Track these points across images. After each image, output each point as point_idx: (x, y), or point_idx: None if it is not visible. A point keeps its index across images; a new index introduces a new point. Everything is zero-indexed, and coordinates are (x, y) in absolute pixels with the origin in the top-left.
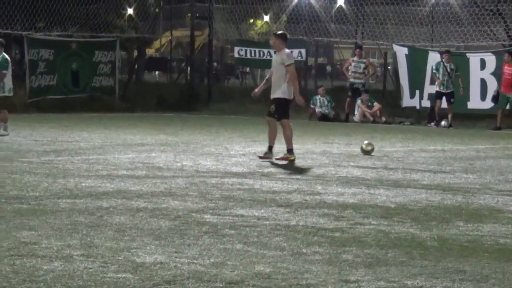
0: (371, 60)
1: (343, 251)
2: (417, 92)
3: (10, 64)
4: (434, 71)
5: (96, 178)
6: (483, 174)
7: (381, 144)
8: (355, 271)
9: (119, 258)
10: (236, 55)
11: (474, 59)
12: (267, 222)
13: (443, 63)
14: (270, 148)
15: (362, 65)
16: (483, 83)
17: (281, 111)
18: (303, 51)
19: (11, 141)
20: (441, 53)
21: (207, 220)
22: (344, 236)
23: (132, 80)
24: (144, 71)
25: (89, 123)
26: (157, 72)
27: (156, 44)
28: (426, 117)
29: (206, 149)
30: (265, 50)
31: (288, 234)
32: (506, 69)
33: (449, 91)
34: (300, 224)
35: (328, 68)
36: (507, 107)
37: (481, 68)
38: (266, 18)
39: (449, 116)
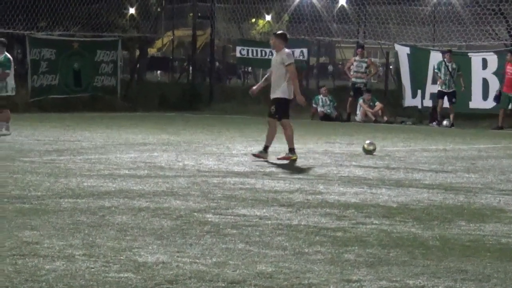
0: (373, 59)
1: (345, 251)
2: (419, 91)
3: (12, 64)
4: (436, 70)
5: (98, 177)
6: (485, 174)
7: (383, 144)
8: (357, 271)
9: (121, 257)
10: (238, 54)
11: (476, 59)
12: (269, 222)
13: (445, 62)
14: (266, 148)
15: (364, 65)
16: (485, 82)
17: (281, 111)
18: (305, 50)
19: (13, 141)
20: (443, 52)
21: (209, 219)
22: (346, 236)
23: (134, 80)
24: (146, 71)
25: (91, 123)
26: (159, 72)
27: (158, 43)
28: (428, 117)
29: (208, 149)
30: (267, 50)
31: (290, 234)
32: (509, 68)
33: (451, 90)
34: (302, 223)
35: (330, 67)
36: (509, 106)
37: (483, 68)
38: (268, 17)
39: (451, 115)
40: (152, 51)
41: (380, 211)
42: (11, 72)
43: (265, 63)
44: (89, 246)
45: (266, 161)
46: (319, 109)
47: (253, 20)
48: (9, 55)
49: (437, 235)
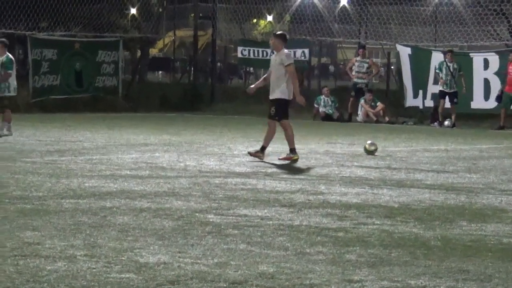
0: (374, 60)
1: (346, 251)
2: (421, 92)
3: (14, 64)
4: (437, 71)
5: (100, 178)
6: (487, 174)
7: (384, 144)
8: (359, 271)
9: (123, 258)
10: (239, 55)
11: (477, 59)
12: (271, 222)
13: (446, 62)
14: (263, 148)
15: (366, 65)
16: (487, 83)
17: (281, 111)
18: (306, 51)
19: (14, 141)
20: (444, 53)
21: (211, 220)
22: (348, 236)
23: (135, 80)
24: (147, 71)
25: (93, 123)
26: (160, 72)
27: (159, 44)
28: (429, 117)
29: (209, 149)
30: (268, 50)
31: (291, 234)
32: (511, 68)
33: (452, 91)
34: (304, 224)
35: (331, 68)
36: (511, 106)
37: (485, 68)
38: (270, 18)
39: (453, 116)
40: (153, 51)
41: (381, 212)
42: (13, 72)
43: (267, 64)
44: (90, 246)
45: (263, 161)
46: (321, 109)
47: (255, 20)
48: (11, 56)
49: (439, 235)
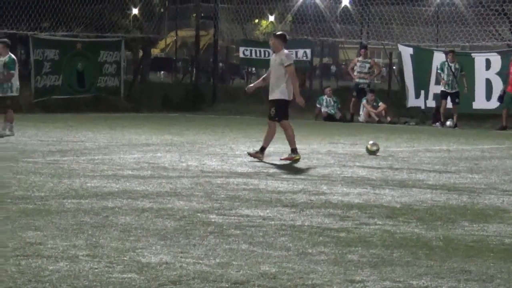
0: (376, 60)
1: (348, 251)
2: (422, 92)
3: (17, 64)
4: (438, 71)
5: (102, 178)
6: (489, 174)
7: (386, 144)
8: (361, 271)
9: (125, 258)
10: (241, 55)
11: (479, 59)
12: (273, 222)
13: (448, 63)
14: (263, 149)
15: (367, 65)
16: (488, 83)
17: (280, 112)
18: (308, 51)
19: (16, 141)
20: (446, 53)
21: (213, 220)
22: (350, 236)
23: (137, 80)
24: (149, 71)
25: (95, 123)
26: (162, 72)
27: (161, 44)
28: (431, 117)
29: (211, 149)
30: (270, 50)
31: (293, 234)
32: None
33: (454, 91)
34: (306, 224)
35: (333, 68)
36: None
37: (486, 68)
38: (271, 18)
39: (454, 116)
40: (155, 51)
41: (383, 212)
42: (16, 72)
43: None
44: (92, 246)
45: (265, 161)
46: (323, 109)
47: (256, 20)
48: (13, 56)
49: (441, 236)
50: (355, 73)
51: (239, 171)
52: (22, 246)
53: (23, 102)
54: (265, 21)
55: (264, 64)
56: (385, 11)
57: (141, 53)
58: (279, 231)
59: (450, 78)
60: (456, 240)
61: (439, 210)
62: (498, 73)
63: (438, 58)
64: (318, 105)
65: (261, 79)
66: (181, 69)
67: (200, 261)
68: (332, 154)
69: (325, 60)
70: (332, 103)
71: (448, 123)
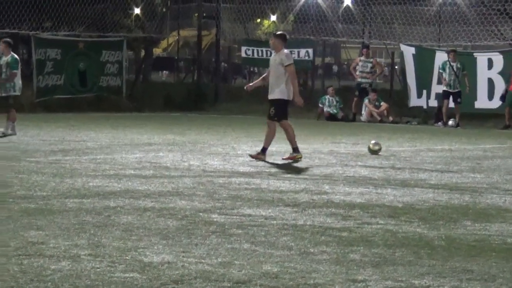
0: (378, 59)
1: (350, 251)
2: (424, 91)
3: (19, 64)
4: (440, 71)
5: (104, 177)
6: (490, 174)
7: (388, 144)
8: (363, 271)
9: (127, 257)
10: (243, 54)
11: (481, 59)
12: (275, 222)
13: (449, 62)
14: (264, 149)
15: (369, 65)
16: (490, 82)
17: (280, 112)
18: (310, 50)
19: (18, 141)
20: (447, 52)
21: (215, 219)
22: (352, 236)
23: (139, 80)
24: (151, 71)
25: (97, 123)
26: (164, 72)
27: (163, 43)
28: (433, 117)
29: (213, 149)
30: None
31: (295, 234)
32: None
33: (456, 90)
34: (308, 223)
35: (335, 67)
36: None
37: (489, 68)
38: (273, 17)
39: (457, 115)
40: (157, 51)
41: (385, 211)
42: (18, 72)
43: None
44: (94, 246)
45: (267, 161)
46: (325, 109)
47: (258, 20)
48: (16, 56)
49: (443, 235)
50: (357, 73)
51: (241, 170)
52: (24, 245)
53: (25, 101)
54: (267, 21)
55: (266, 63)
56: (387, 10)
57: (143, 53)
58: (281, 230)
59: (452, 78)
60: (458, 240)
61: (441, 209)
62: (500, 73)
63: (440, 57)
64: (320, 105)
65: (260, 78)
66: (183, 68)
67: (202, 261)
68: (334, 154)
69: (327, 59)
70: (334, 102)
71: (450, 122)
